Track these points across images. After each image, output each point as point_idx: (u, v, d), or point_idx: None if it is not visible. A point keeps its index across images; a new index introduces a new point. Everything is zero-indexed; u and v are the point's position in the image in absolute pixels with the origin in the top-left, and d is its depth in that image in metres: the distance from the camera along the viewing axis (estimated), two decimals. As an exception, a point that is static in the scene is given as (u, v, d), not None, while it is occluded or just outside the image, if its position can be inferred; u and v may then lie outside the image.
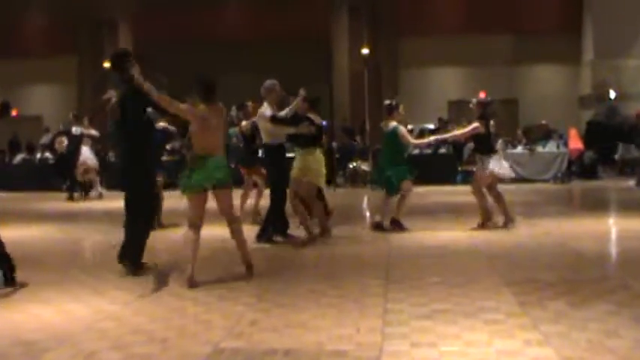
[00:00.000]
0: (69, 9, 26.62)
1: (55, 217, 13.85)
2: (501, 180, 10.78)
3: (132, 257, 7.53)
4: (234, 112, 11.90)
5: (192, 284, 6.74)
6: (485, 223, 10.44)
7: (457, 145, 20.67)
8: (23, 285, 6.95)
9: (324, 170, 9.88)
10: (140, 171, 7.58)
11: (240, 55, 23.86)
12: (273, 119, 9.26)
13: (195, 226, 7.00)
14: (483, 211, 10.56)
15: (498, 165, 10.45)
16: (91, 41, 27.05)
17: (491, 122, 10.61)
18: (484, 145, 10.52)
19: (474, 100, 10.72)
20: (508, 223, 10.46)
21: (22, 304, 6.31)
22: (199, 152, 7.04)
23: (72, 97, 26.27)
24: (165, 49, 25.52)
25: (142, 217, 7.62)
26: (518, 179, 19.54)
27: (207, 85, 7.17)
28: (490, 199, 10.63)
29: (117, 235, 10.92)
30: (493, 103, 11.14)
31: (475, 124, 10.37)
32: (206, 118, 7.02)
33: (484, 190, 10.57)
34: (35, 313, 5.97)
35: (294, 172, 9.63)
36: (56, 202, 17.22)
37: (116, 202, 12.96)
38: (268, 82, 9.69)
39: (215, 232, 8.68)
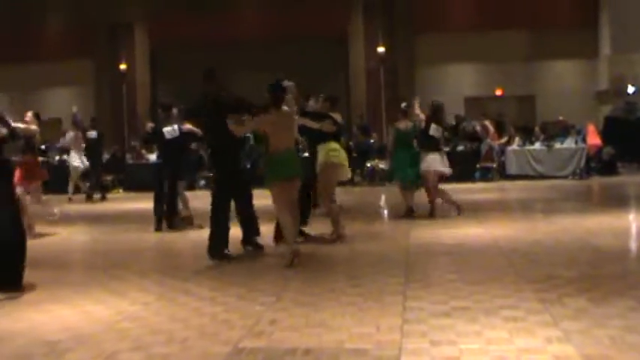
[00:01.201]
0: (85, 12, 26.77)
1: (76, 218, 13.91)
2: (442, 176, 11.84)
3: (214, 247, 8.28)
4: None
5: (296, 256, 7.80)
6: (461, 211, 11.52)
7: (475, 142, 20.64)
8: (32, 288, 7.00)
9: (345, 161, 9.83)
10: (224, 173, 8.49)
11: (257, 55, 23.89)
12: (301, 113, 9.29)
13: (287, 210, 8.01)
14: (451, 203, 11.76)
15: (440, 163, 11.61)
16: (108, 44, 27.17)
17: (433, 125, 11.61)
18: (426, 144, 11.43)
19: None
20: (460, 211, 11.58)
21: (45, 305, 6.35)
22: (279, 148, 8.05)
23: (89, 99, 26.40)
24: (182, 50, 25.65)
25: (223, 212, 8.44)
26: (536, 176, 19.53)
27: (274, 95, 8.19)
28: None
29: (134, 236, 11.03)
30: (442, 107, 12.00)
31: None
32: (275, 122, 8.08)
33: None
34: (58, 314, 6.02)
35: (318, 168, 9.65)
36: (77, 203, 17.31)
37: (134, 203, 13.12)
38: (287, 83, 9.72)
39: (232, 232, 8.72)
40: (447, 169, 11.72)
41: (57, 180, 17.63)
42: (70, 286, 7.10)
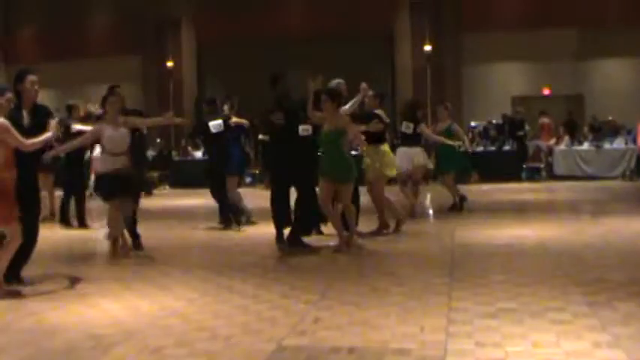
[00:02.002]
0: (133, 9, 27.03)
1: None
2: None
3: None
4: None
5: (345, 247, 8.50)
6: (400, 226, 10.32)
7: (522, 141, 20.43)
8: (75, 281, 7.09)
9: (393, 161, 10.10)
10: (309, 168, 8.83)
11: (302, 53, 23.90)
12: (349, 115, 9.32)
13: (329, 204, 8.68)
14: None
15: (407, 160, 11.63)
16: (155, 40, 27.41)
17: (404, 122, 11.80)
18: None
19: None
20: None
21: (94, 298, 6.44)
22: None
23: (136, 96, 26.64)
24: (228, 47, 25.79)
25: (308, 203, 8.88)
26: (585, 177, 19.24)
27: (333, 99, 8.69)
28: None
29: (180, 232, 11.12)
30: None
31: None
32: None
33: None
34: (105, 308, 6.09)
35: (366, 168, 9.86)
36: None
37: (180, 199, 13.22)
38: (334, 82, 9.75)
39: (268, 230, 8.76)
40: (410, 167, 11.66)
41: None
42: (118, 281, 7.18)
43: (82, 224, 11.65)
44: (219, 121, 11.30)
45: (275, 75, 9.26)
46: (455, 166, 12.55)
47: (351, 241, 8.70)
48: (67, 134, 10.99)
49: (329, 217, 8.95)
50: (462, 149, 12.84)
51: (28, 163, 6.81)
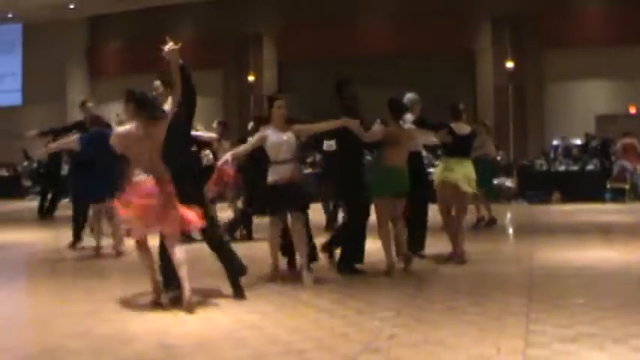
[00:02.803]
0: (216, 24, 27.51)
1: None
2: None
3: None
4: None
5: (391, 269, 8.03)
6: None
7: (606, 161, 19.94)
8: None
9: (472, 175, 9.18)
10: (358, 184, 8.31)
11: (382, 71, 23.86)
12: (419, 123, 9.07)
13: (386, 224, 8.16)
14: None
15: None
16: (237, 56, 27.81)
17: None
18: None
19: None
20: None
21: (168, 308, 6.51)
22: (390, 163, 8.15)
23: (218, 109, 27.05)
24: (308, 64, 25.97)
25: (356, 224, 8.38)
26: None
27: (396, 108, 8.30)
28: None
29: (254, 243, 11.17)
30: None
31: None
32: (395, 135, 8.16)
33: None
34: (178, 318, 6.15)
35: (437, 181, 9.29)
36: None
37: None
38: (413, 96, 9.59)
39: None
40: None
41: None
42: (192, 292, 7.22)
43: None
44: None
45: (339, 81, 8.59)
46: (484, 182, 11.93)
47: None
48: None
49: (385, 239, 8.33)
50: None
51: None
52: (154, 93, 7.21)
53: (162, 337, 5.49)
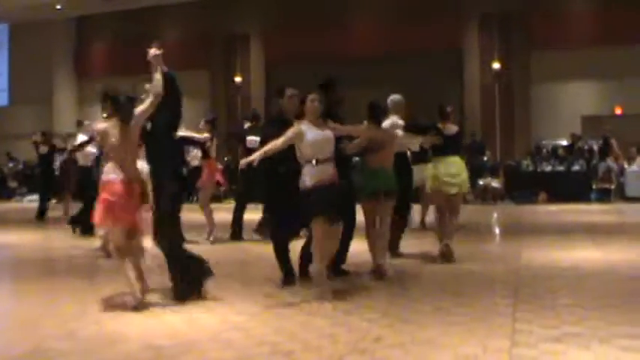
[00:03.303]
0: (203, 25, 27.50)
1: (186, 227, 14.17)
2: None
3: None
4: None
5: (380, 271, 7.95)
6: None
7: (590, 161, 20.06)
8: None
9: (462, 173, 9.37)
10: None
11: (370, 71, 23.90)
12: (406, 128, 9.18)
13: (373, 225, 8.14)
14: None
15: None
16: (223, 56, 27.79)
17: None
18: None
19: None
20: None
21: (155, 310, 6.51)
22: (372, 165, 8.08)
23: (205, 110, 26.97)
24: (296, 64, 25.94)
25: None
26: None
27: (375, 112, 8.28)
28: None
29: (243, 245, 11.18)
30: None
31: None
32: (377, 140, 8.06)
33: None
34: (165, 319, 6.15)
35: (430, 182, 9.37)
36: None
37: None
38: (398, 98, 9.64)
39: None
40: None
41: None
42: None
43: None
44: (256, 139, 11.50)
45: (326, 82, 8.25)
46: None
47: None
48: None
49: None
50: None
51: None
52: (142, 96, 7.22)
53: (149, 338, 5.49)
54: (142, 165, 7.14)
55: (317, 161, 6.89)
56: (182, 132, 11.28)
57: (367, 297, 6.94)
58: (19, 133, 27.61)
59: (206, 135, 11.75)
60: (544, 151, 21.80)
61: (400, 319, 6.00)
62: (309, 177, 6.87)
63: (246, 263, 9.70)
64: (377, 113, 8.29)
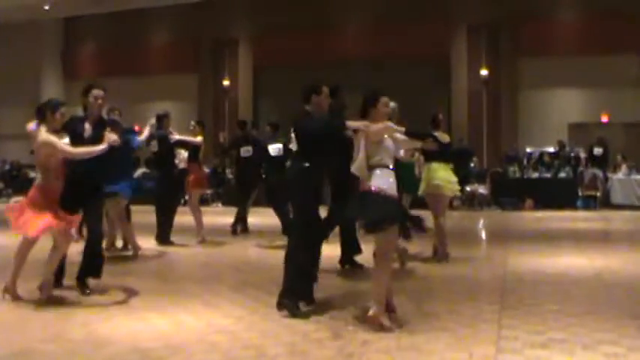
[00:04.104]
0: (191, 29, 27.48)
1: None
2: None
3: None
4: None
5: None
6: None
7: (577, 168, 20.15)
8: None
9: (452, 178, 10.00)
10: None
11: (357, 76, 23.88)
12: (407, 133, 9.27)
13: None
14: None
15: None
16: (212, 60, 27.78)
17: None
18: None
19: None
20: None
21: (141, 313, 6.50)
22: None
23: (193, 114, 26.98)
24: (284, 68, 25.95)
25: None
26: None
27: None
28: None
29: (230, 249, 11.17)
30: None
31: None
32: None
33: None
34: (152, 322, 6.14)
35: (424, 186, 9.83)
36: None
37: (231, 217, 13.29)
38: (393, 104, 9.76)
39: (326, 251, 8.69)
40: None
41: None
42: (166, 296, 7.23)
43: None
44: (279, 146, 11.63)
45: (331, 88, 8.63)
46: None
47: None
48: (164, 145, 11.22)
49: None
50: None
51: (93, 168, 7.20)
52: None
53: (136, 340, 5.48)
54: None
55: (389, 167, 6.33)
56: (177, 136, 11.45)
57: (354, 302, 6.95)
58: (6, 134, 27.46)
59: (200, 138, 11.84)
60: (524, 157, 21.89)
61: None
62: (380, 181, 6.14)
63: (234, 267, 9.68)
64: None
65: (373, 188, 6.03)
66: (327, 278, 8.29)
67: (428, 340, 5.44)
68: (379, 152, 6.22)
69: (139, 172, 17.76)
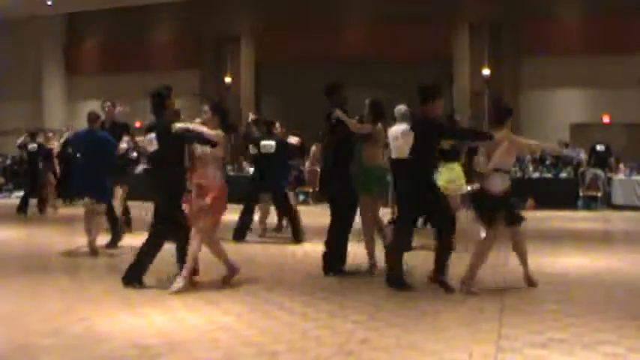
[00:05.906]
0: (193, 25, 27.46)
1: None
2: None
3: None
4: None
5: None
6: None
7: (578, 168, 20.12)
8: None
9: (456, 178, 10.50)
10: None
11: (360, 74, 23.87)
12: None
13: (371, 224, 8.49)
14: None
15: None
16: (214, 56, 27.75)
17: None
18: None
19: None
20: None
21: (142, 309, 6.51)
22: (370, 164, 8.38)
23: (195, 110, 26.97)
24: (286, 66, 25.94)
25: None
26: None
27: (377, 110, 8.52)
28: None
29: (230, 247, 11.15)
30: None
31: None
32: (379, 135, 8.48)
33: None
34: (152, 318, 6.14)
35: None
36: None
37: (232, 214, 13.27)
38: (404, 108, 9.84)
39: (319, 248, 8.69)
40: None
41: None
42: (165, 293, 7.22)
43: None
44: (271, 143, 11.82)
45: (331, 85, 8.73)
46: None
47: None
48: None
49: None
50: None
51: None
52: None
53: (136, 337, 5.48)
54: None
55: (503, 170, 7.44)
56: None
57: (353, 299, 6.95)
58: (7, 129, 27.45)
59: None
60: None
61: (386, 322, 6.00)
62: (495, 182, 7.37)
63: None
64: (378, 111, 8.55)
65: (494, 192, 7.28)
66: (327, 277, 8.30)
67: (427, 339, 5.44)
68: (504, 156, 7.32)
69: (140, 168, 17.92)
